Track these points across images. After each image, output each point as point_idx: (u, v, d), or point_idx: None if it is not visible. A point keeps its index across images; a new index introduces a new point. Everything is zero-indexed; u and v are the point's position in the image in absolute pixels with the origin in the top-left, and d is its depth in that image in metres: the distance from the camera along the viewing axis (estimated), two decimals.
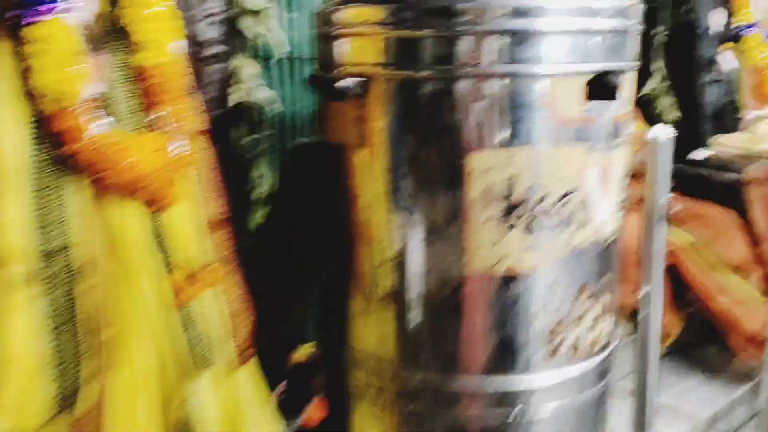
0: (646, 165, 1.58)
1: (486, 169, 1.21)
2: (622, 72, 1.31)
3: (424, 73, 1.25)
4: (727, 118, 3.15)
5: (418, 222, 1.29)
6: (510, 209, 1.23)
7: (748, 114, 2.74)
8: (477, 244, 1.25)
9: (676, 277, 2.60)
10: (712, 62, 3.05)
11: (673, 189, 2.84)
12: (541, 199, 1.24)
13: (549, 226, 1.25)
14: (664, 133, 1.60)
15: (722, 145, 2.40)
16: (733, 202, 3.13)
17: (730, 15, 3.15)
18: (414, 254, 1.31)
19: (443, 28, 1.23)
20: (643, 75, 3.15)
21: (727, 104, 3.11)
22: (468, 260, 1.26)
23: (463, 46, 1.23)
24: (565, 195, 1.25)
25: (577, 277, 1.32)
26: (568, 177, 1.25)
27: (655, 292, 1.65)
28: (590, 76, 1.25)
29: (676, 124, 3.15)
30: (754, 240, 3.02)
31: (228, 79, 1.84)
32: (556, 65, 1.24)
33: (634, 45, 1.40)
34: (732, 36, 3.14)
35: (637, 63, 1.42)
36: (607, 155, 1.31)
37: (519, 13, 1.22)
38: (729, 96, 3.11)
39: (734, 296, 2.56)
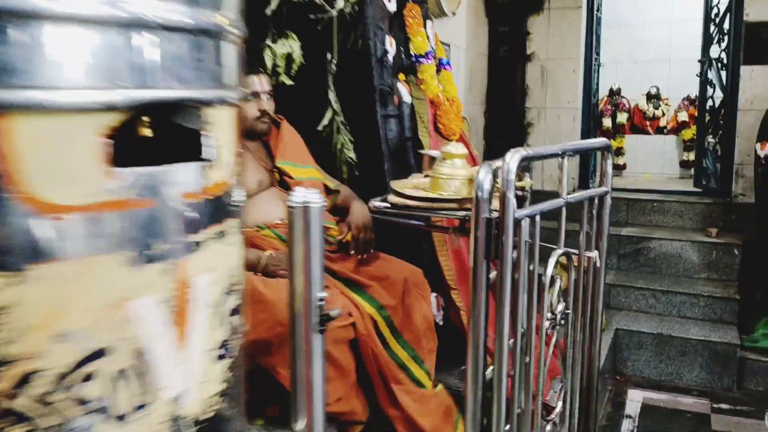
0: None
1: None
2: (206, 105, 0.72)
3: None
4: (408, 157, 2.86)
5: None
6: None
7: (428, 153, 2.42)
8: None
9: (359, 350, 2.16)
10: (387, 94, 2.72)
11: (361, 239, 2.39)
12: (22, 382, 0.57)
13: (47, 426, 0.59)
14: (311, 199, 1.06)
15: (402, 191, 1.99)
16: (420, 252, 2.85)
17: (406, 42, 2.88)
18: None
19: None
20: (322, 106, 2.72)
21: (406, 141, 2.81)
22: None
23: None
24: (85, 362, 0.60)
25: None
26: (90, 323, 0.60)
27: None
28: (130, 114, 0.63)
29: (357, 164, 2.77)
30: (444, 291, 2.77)
31: None
32: (50, 91, 0.58)
33: (230, 59, 0.81)
34: (407, 66, 2.86)
35: (239, 92, 0.85)
36: (183, 266, 0.69)
37: None
38: (408, 132, 2.82)
39: (410, 385, 2.23)
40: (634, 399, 3.77)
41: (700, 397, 3.74)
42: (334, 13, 2.63)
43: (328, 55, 2.65)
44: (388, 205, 1.98)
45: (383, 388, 2.19)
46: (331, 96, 2.68)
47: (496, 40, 4.80)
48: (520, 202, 2.14)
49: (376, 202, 2.01)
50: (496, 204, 1.74)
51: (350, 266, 2.34)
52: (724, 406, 3.64)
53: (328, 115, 2.69)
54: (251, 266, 2.18)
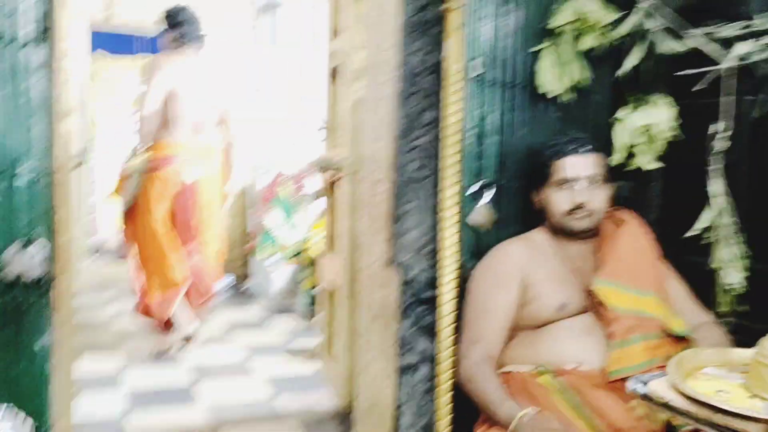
0: None
1: None
2: None
3: None
4: None
5: None
6: None
7: None
8: None
9: None
10: None
11: None
12: None
13: None
14: None
15: (681, 384, 1.11)
16: None
17: None
18: None
19: None
20: (698, 202, 1.82)
21: None
22: None
23: None
24: None
25: None
26: None
27: None
28: None
29: (751, 295, 1.72)
30: None
31: None
32: None
33: None
34: None
35: None
36: None
37: None
38: None
39: None
40: None
41: None
42: (730, 64, 1.74)
43: (714, 128, 1.77)
44: (664, 399, 1.14)
45: None
46: (716, 186, 1.78)
47: None
48: None
49: (652, 384, 1.19)
50: None
51: None
52: None
53: (709, 214, 1.79)
54: (503, 424, 1.57)
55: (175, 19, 3.48)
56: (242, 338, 3.87)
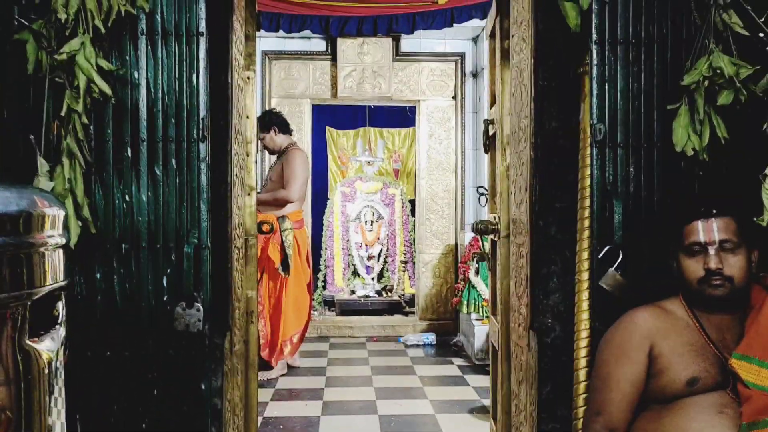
0: None
1: None
2: None
3: None
4: None
5: None
6: None
7: None
8: None
9: None
10: None
11: None
12: None
13: None
14: None
15: None
16: None
17: None
18: None
19: None
20: None
21: None
22: None
23: None
24: None
25: None
26: None
27: None
28: None
29: None
30: None
31: None
32: None
33: None
34: None
35: None
36: None
37: None
38: None
39: None
40: None
41: None
42: None
43: None
44: None
45: None
46: None
47: None
48: None
49: None
50: None
51: None
52: None
53: None
54: None
55: (273, 121, 4.51)
56: (434, 393, 4.01)
